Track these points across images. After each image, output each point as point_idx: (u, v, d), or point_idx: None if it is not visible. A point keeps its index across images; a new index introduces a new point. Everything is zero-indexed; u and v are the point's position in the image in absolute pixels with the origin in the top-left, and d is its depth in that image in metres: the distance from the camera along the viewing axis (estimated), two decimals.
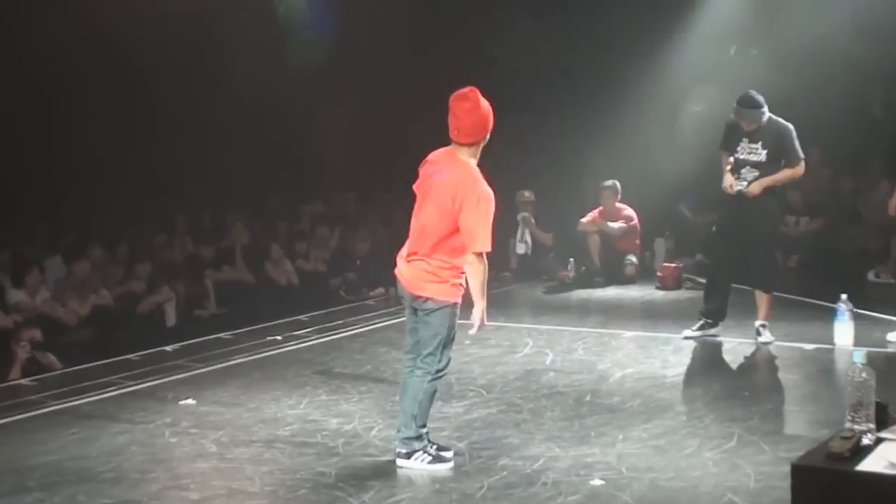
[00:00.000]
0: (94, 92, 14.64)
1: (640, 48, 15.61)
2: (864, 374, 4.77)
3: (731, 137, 10.57)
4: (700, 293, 11.72)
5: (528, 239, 15.39)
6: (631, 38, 15.75)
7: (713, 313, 10.89)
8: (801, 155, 10.36)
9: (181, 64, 14.99)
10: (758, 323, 10.59)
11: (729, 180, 10.43)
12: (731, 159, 10.48)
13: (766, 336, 10.50)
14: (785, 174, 10.41)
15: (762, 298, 10.62)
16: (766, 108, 10.35)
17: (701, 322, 10.91)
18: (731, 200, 10.49)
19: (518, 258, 15.50)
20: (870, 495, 4.49)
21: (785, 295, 11.71)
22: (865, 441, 4.69)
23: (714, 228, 11.38)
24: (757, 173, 10.34)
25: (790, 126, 10.34)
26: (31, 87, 14.17)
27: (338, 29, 15.85)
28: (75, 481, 7.02)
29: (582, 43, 16.08)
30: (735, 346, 10.55)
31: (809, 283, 13.09)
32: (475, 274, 7.04)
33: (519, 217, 15.39)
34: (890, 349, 10.02)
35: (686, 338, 10.85)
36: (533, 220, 15.42)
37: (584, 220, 14.82)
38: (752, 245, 10.49)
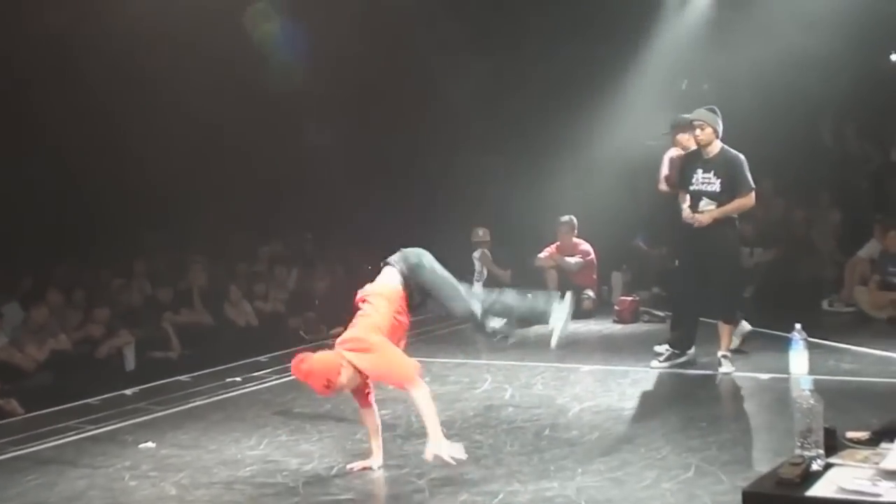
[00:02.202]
0: (51, 131, 14.60)
1: (594, 84, 15.74)
2: (811, 401, 4.85)
3: (685, 171, 10.72)
4: (657, 326, 11.81)
5: (484, 276, 15.44)
6: (584, 75, 15.89)
7: (678, 343, 10.99)
8: (752, 185, 10.50)
9: (138, 103, 14.97)
10: (720, 353, 10.68)
11: (688, 213, 10.56)
12: (688, 195, 10.64)
13: (727, 367, 10.59)
14: (734, 205, 10.53)
15: (724, 329, 10.72)
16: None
17: (669, 353, 11.01)
18: (690, 234, 10.60)
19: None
20: None
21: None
22: (815, 467, 4.76)
23: (676, 262, 11.49)
24: (714, 204, 10.48)
25: (741, 156, 10.50)
26: None
27: (304, 64, 15.88)
28: None
29: (536, 82, 16.22)
30: (692, 378, 10.63)
31: (764, 312, 13.19)
32: (423, 402, 7.43)
33: (476, 254, 15.46)
34: (835, 376, 10.10)
35: (653, 368, 10.96)
36: (490, 257, 15.50)
37: (541, 255, 14.91)
38: (715, 277, 10.60)
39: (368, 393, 7.79)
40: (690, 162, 10.74)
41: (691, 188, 10.62)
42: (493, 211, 16.08)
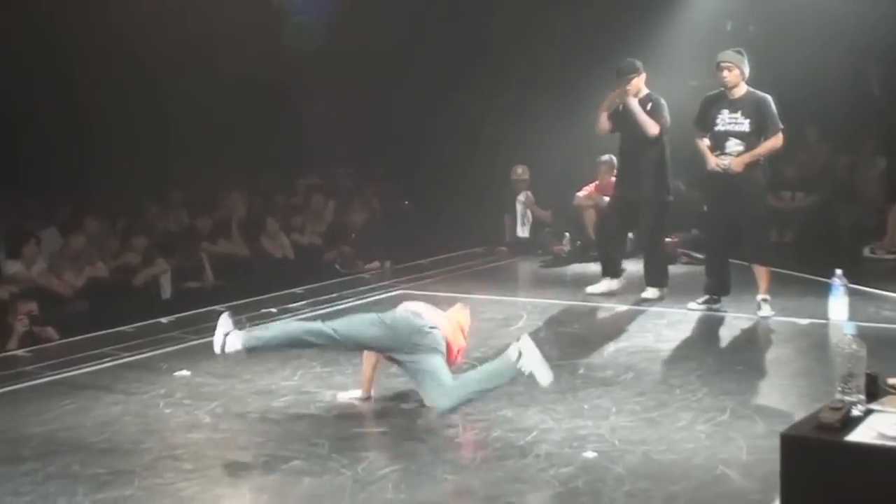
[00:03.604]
0: (90, 67, 14.61)
1: (637, 24, 15.55)
2: (854, 346, 4.78)
3: (707, 112, 10.64)
4: (695, 267, 11.75)
5: (529, 219, 15.41)
6: (627, 16, 15.70)
7: (715, 289, 10.94)
8: (780, 125, 10.42)
9: (176, 44, 14.94)
10: (759, 297, 10.61)
11: (713, 160, 10.47)
12: (707, 137, 10.57)
13: (766, 310, 10.52)
14: (766, 146, 10.46)
15: (761, 272, 10.65)
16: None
17: (706, 297, 10.97)
18: (718, 178, 10.53)
19: (513, 235, 15.52)
20: (859, 466, 4.49)
21: (780, 270, 11.71)
22: (855, 412, 4.69)
23: (705, 207, 11.43)
24: (743, 145, 10.40)
25: (768, 96, 10.44)
26: (26, 59, 14.13)
27: (333, 11, 15.79)
28: (69, 451, 7.04)
29: (579, 14, 16.04)
30: (730, 321, 10.56)
31: (804, 258, 13.08)
32: None
33: (520, 198, 15.41)
34: (876, 323, 10.00)
35: (691, 310, 10.92)
36: (532, 199, 15.44)
37: (580, 194, 14.81)
38: (743, 220, 10.53)
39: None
40: (713, 104, 10.62)
41: (716, 129, 10.52)
42: (533, 150, 15.95)
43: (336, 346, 7.69)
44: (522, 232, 15.49)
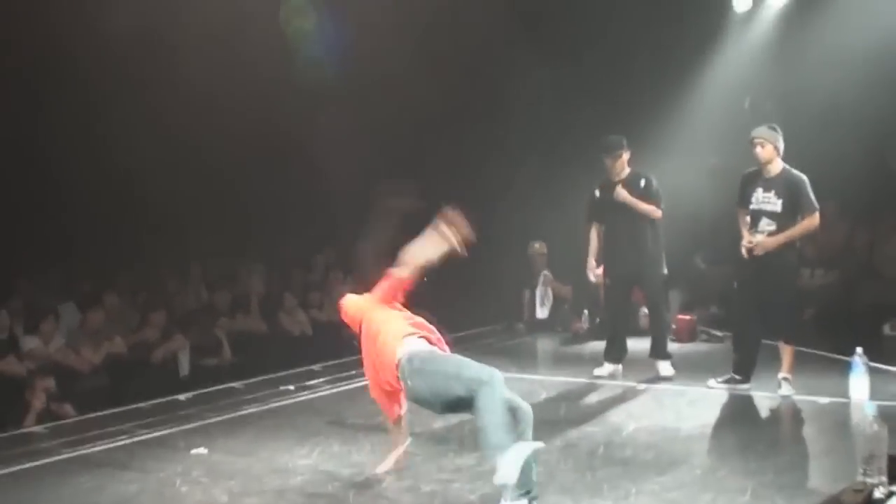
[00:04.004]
0: (110, 136, 14.66)
1: (655, 98, 15.62)
2: (875, 427, 4.75)
3: (745, 190, 10.63)
4: (714, 345, 11.72)
5: (550, 298, 15.41)
6: (645, 89, 15.76)
7: (741, 368, 10.86)
8: (816, 205, 10.37)
9: (194, 105, 14.99)
10: (780, 375, 10.54)
11: (747, 238, 10.46)
12: (748, 216, 10.54)
13: (786, 389, 10.45)
14: (800, 228, 10.41)
15: (786, 351, 10.59)
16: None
17: (728, 376, 10.90)
18: (751, 255, 10.49)
19: (531, 314, 15.50)
20: None
21: (800, 348, 11.65)
22: (877, 494, 4.66)
23: (735, 284, 11.39)
24: (774, 224, 10.37)
25: (804, 177, 10.41)
26: (54, 132, 14.20)
27: (345, 64, 15.82)
28: None
29: (596, 90, 16.10)
30: (750, 399, 10.50)
31: (825, 336, 13.01)
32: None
33: (540, 279, 15.43)
34: None
35: (710, 388, 10.86)
36: (551, 278, 15.46)
37: (598, 271, 14.79)
38: (774, 299, 10.48)
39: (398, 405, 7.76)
40: (750, 181, 10.63)
41: (751, 207, 10.52)
42: (551, 224, 15.96)
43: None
44: (542, 313, 15.50)
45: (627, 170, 11.62)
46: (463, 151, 17.22)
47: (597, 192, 11.84)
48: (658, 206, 11.57)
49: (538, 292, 15.46)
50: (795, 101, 15.51)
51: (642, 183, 11.52)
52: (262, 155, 16.17)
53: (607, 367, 11.78)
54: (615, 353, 11.85)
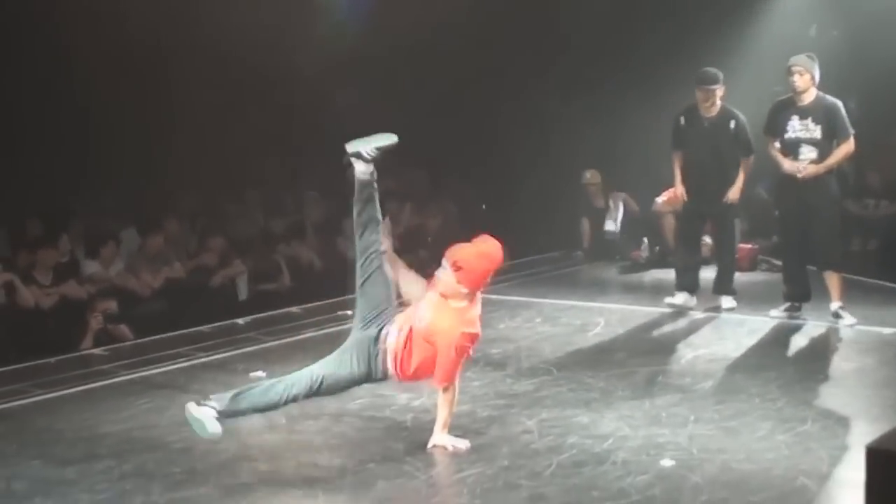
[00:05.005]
0: (174, 68, 14.68)
1: (719, 25, 15.39)
2: None
3: (777, 118, 10.51)
4: (775, 275, 11.61)
5: (621, 212, 15.28)
6: (709, 17, 15.54)
7: (795, 296, 10.78)
8: (851, 131, 10.35)
9: (253, 41, 14.98)
10: (834, 306, 10.45)
11: (789, 164, 10.32)
12: (777, 143, 10.41)
13: (848, 318, 10.35)
14: (838, 154, 10.39)
15: (832, 279, 10.50)
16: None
17: (786, 305, 10.82)
18: (791, 184, 10.41)
19: (595, 238, 15.39)
20: None
21: (863, 278, 11.54)
22: None
23: (777, 213, 11.27)
24: (816, 151, 10.28)
25: (838, 102, 10.38)
26: (110, 51, 14.23)
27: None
28: (145, 450, 7.07)
29: (657, 18, 15.89)
30: (811, 329, 10.41)
31: (889, 266, 12.85)
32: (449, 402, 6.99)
33: (614, 196, 15.33)
34: None
35: (772, 317, 10.77)
36: (626, 195, 15.34)
37: (659, 199, 14.65)
38: (814, 226, 10.39)
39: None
40: (782, 110, 10.50)
41: (786, 136, 10.40)
42: (610, 154, 15.84)
43: None
44: (609, 226, 15.34)
45: (719, 105, 11.34)
46: (513, 82, 17.07)
47: (682, 120, 11.54)
48: (748, 150, 11.27)
49: (611, 203, 15.31)
50: (862, 28, 15.25)
51: (732, 125, 11.20)
52: (320, 86, 16.11)
53: (680, 297, 11.53)
54: (689, 282, 11.60)
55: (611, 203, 15.36)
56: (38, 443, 7.34)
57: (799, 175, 10.28)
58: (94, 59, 13.80)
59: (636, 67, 15.84)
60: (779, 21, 15.67)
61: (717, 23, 15.37)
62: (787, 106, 10.49)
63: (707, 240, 13.36)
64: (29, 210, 13.27)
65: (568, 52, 16.66)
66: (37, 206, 13.39)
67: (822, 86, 10.47)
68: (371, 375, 6.84)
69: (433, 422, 7.34)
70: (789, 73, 10.41)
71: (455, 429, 7.25)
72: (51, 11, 13.42)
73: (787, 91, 10.65)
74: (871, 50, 14.58)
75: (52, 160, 13.75)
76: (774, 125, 10.57)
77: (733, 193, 11.16)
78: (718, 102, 11.25)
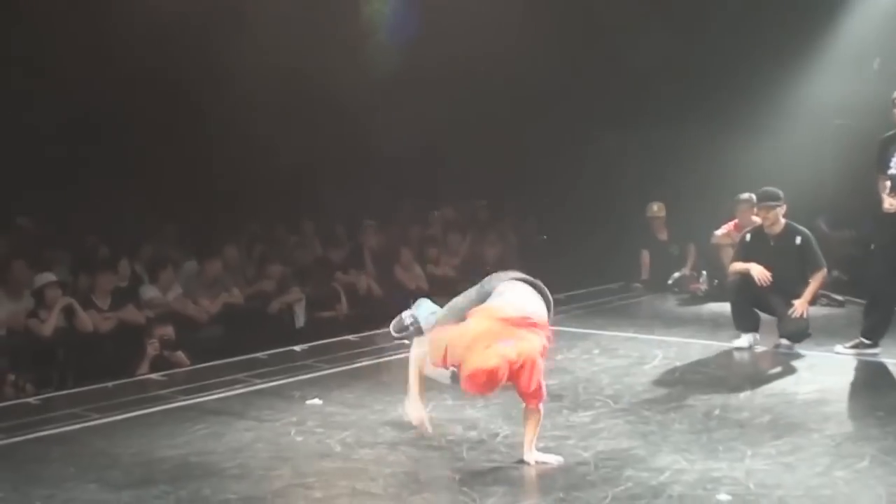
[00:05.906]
0: (235, 96, 14.82)
1: (782, 58, 15.33)
2: None
3: (884, 155, 10.33)
4: (834, 310, 11.47)
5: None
6: (772, 48, 15.48)
7: (872, 333, 10.62)
8: None
9: (309, 71, 15.10)
10: None
11: (888, 201, 10.16)
12: (888, 181, 10.24)
13: None
14: None
15: None
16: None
17: (857, 341, 10.66)
18: (891, 219, 10.20)
19: (649, 274, 15.36)
20: None
21: None
22: None
23: (872, 247, 11.11)
24: None
25: None
26: (175, 87, 14.40)
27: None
28: (201, 476, 7.08)
29: (721, 52, 15.84)
30: (875, 365, 10.29)
31: None
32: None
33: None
34: None
35: (837, 353, 10.63)
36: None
37: (718, 232, 14.58)
38: None
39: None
40: (888, 145, 10.34)
41: (890, 171, 10.22)
42: (671, 186, 15.81)
43: None
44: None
45: (782, 222, 11.23)
46: (577, 113, 17.10)
47: (747, 237, 11.40)
48: (817, 264, 11.06)
49: (688, 251, 15.30)
50: None
51: (798, 240, 11.07)
52: (383, 114, 16.19)
53: (745, 339, 11.24)
54: (751, 324, 11.29)
55: (688, 251, 15.31)
56: (95, 467, 7.37)
57: (888, 211, 10.13)
58: (160, 95, 14.02)
59: (695, 101, 15.83)
60: (840, 53, 15.60)
61: (776, 60, 15.29)
62: (892, 141, 10.30)
63: None
64: (92, 235, 13.45)
65: (632, 84, 16.68)
66: (101, 231, 13.57)
67: None
68: None
69: (488, 452, 7.35)
70: (893, 104, 10.25)
71: (507, 458, 7.25)
72: (120, 46, 13.68)
73: (890, 127, 10.46)
74: None
75: (115, 190, 13.94)
76: (881, 161, 10.37)
77: (801, 306, 10.94)
78: (782, 220, 11.10)
